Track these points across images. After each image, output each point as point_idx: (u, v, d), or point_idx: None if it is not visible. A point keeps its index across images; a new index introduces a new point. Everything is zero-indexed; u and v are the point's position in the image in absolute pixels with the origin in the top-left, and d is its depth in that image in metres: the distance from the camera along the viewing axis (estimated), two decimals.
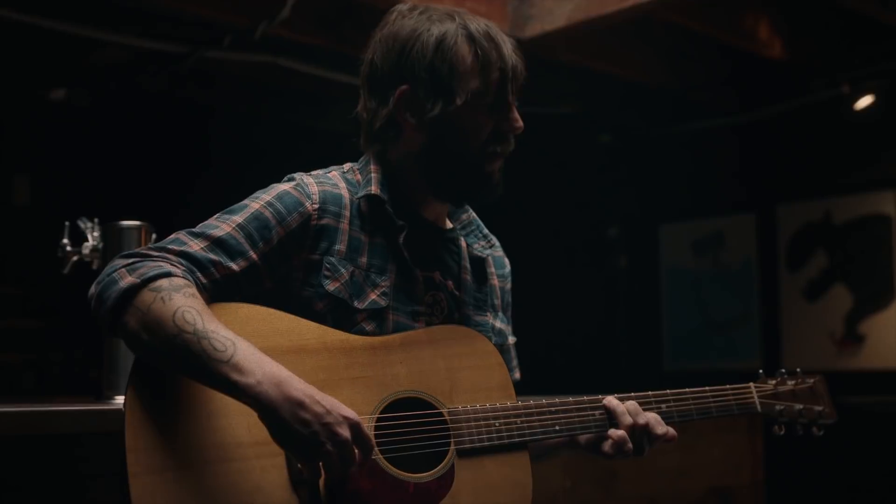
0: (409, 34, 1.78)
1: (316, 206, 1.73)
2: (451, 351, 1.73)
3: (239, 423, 1.53)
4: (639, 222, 6.60)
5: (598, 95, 5.64)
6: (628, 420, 1.78)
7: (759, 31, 4.65)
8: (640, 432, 1.78)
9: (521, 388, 1.86)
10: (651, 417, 1.80)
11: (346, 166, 1.88)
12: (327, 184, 1.78)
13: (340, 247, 1.73)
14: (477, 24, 1.78)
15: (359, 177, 1.83)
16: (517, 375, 1.98)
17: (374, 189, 1.78)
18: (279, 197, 1.72)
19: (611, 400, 1.79)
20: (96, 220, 2.53)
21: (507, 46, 1.78)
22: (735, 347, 6.08)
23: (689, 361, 6.31)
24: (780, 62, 4.82)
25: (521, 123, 1.79)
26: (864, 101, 5.04)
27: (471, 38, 1.75)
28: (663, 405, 1.85)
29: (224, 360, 1.46)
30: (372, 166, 1.83)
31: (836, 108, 5.33)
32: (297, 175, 1.80)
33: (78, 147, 5.18)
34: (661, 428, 1.79)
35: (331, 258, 1.71)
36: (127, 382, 1.54)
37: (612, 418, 1.78)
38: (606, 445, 1.79)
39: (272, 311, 1.64)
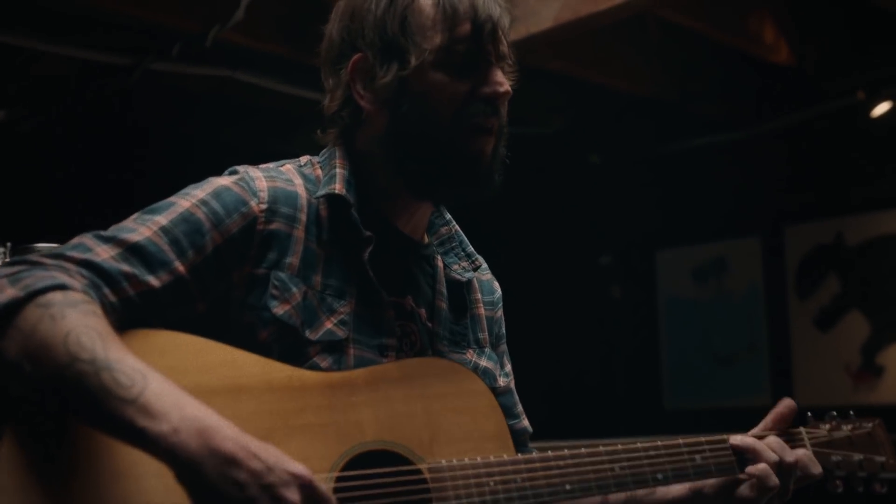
0: None
1: (264, 205, 1.45)
2: (430, 390, 1.43)
3: (153, 488, 1.21)
4: (634, 248, 6.43)
5: (587, 108, 5.42)
6: (773, 457, 1.57)
7: (764, 33, 4.43)
8: (788, 471, 1.58)
9: None
10: (801, 454, 1.61)
11: (304, 159, 1.60)
12: (279, 179, 1.50)
13: (293, 259, 1.45)
14: None
15: (319, 172, 1.56)
16: (525, 423, 1.70)
17: (337, 187, 1.51)
18: (216, 193, 1.43)
19: (742, 439, 1.59)
20: (8, 244, 2.23)
21: None
22: (742, 382, 5.88)
23: (692, 398, 6.11)
24: (787, 68, 4.60)
25: (505, 87, 1.51)
26: (882, 108, 4.81)
27: None
28: (697, 456, 1.56)
29: (130, 398, 1.15)
30: (337, 160, 1.56)
31: (849, 117, 5.14)
32: (240, 168, 1.51)
33: (9, 167, 4.87)
34: (816, 467, 1.62)
35: (280, 273, 1.43)
36: None
37: (743, 458, 1.57)
38: (743, 489, 1.57)
39: (202, 340, 1.34)
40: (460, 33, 1.49)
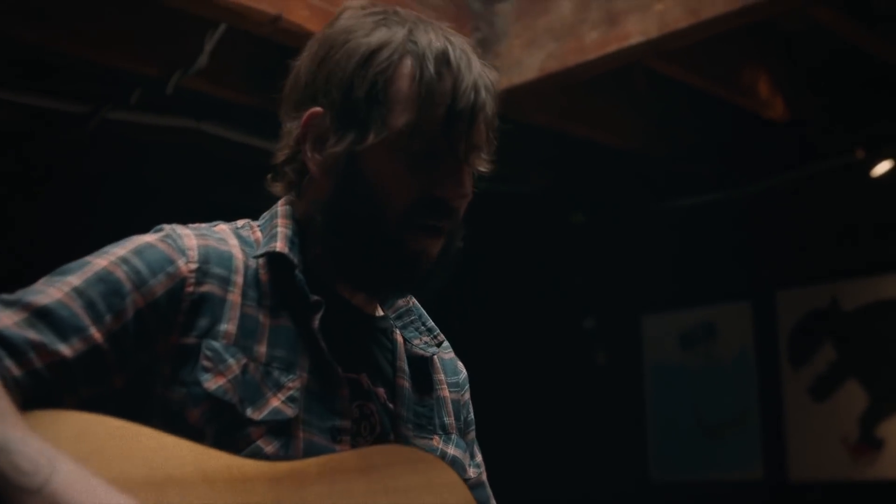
0: (339, 37, 1.38)
1: (193, 265, 1.27)
2: (395, 483, 1.24)
3: None
4: (619, 313, 6.26)
5: (572, 164, 5.30)
6: None
7: (759, 86, 4.30)
8: None
9: None
10: None
11: (241, 222, 1.44)
12: (211, 237, 1.34)
13: (228, 327, 1.27)
14: (436, 39, 1.36)
15: (258, 234, 1.40)
16: None
17: (279, 246, 1.34)
18: (138, 251, 1.26)
19: None
20: None
21: (469, 79, 1.35)
22: (733, 454, 5.67)
23: (680, 472, 5.90)
24: (782, 124, 4.47)
25: (466, 190, 1.35)
26: (883, 168, 4.67)
27: (418, 54, 1.34)
28: None
29: (32, 487, 0.99)
30: (279, 219, 1.40)
31: (847, 176, 5.01)
32: (167, 225, 1.34)
33: None
34: None
35: (213, 343, 1.25)
36: None
37: None
38: None
39: (122, 422, 1.13)
40: (432, 118, 1.32)
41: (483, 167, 1.39)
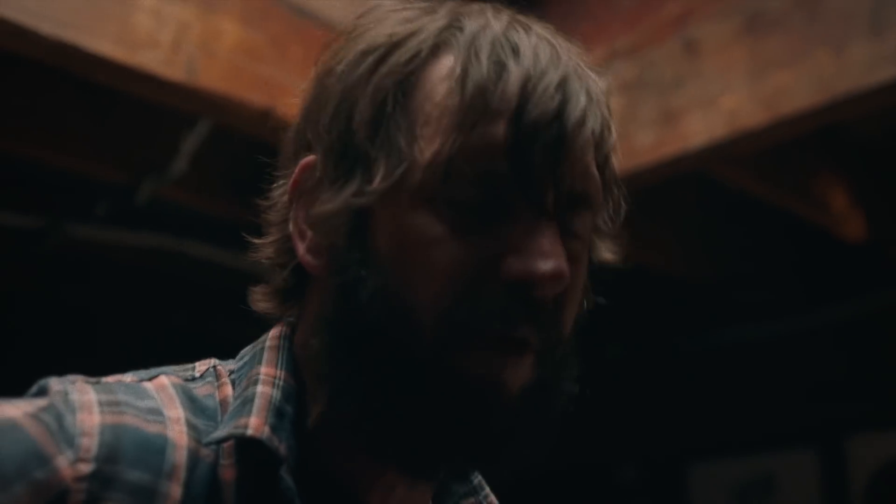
0: (344, 43, 0.94)
1: (86, 466, 0.77)
2: None
3: None
4: (662, 461, 5.88)
5: (607, 288, 4.88)
6: None
7: (833, 200, 3.87)
8: None
9: None
10: None
11: (202, 365, 0.93)
12: (130, 409, 0.82)
13: None
14: (497, 22, 0.88)
15: (227, 391, 0.89)
16: None
17: (253, 424, 0.83)
18: None
19: None
20: None
21: (555, 74, 0.84)
22: None
23: None
24: (858, 244, 4.04)
25: (558, 265, 0.82)
26: None
27: (463, 44, 0.86)
28: None
29: None
30: (263, 366, 0.89)
31: None
32: (56, 383, 0.84)
33: None
34: None
35: None
36: None
37: None
38: None
39: None
40: (487, 142, 0.81)
41: (599, 231, 0.92)
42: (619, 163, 0.93)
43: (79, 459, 0.76)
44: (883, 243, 4.20)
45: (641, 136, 3.17)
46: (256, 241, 0.97)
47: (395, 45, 0.88)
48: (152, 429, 0.81)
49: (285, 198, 0.92)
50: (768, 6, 2.92)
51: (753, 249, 4.68)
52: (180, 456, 0.81)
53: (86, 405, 0.80)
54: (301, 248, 0.89)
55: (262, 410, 0.84)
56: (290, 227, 0.90)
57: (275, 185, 0.96)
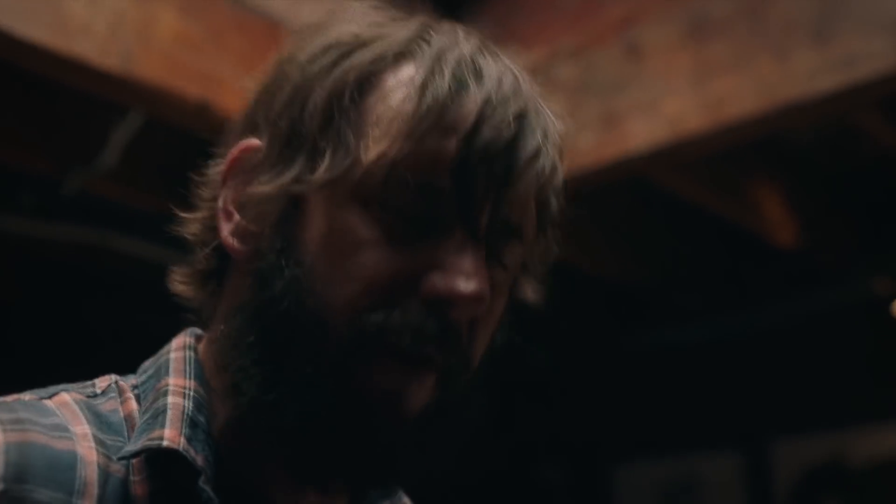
0: (303, 38, 0.93)
1: None
2: None
3: None
4: (588, 462, 5.92)
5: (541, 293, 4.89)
6: None
7: (767, 206, 3.92)
8: None
9: None
10: None
11: (103, 382, 0.90)
12: (35, 427, 0.78)
13: None
14: (467, 45, 0.87)
15: (132, 406, 0.86)
16: None
17: (168, 435, 0.80)
18: None
19: None
20: None
21: (515, 104, 0.84)
22: None
23: None
24: (790, 251, 4.09)
25: (478, 287, 0.81)
26: None
27: (428, 57, 0.85)
28: None
29: None
30: (171, 375, 0.87)
31: (863, 312, 4.68)
32: None
33: None
34: None
35: None
36: None
37: None
38: None
39: None
40: (435, 154, 0.81)
41: (526, 259, 0.90)
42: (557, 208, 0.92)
43: None
44: (814, 249, 4.25)
45: (582, 138, 3.16)
46: (183, 214, 0.94)
47: (360, 45, 0.87)
48: (60, 445, 0.77)
49: (219, 176, 0.90)
50: (713, 12, 2.92)
51: (686, 253, 4.71)
52: (91, 472, 0.77)
53: None
54: (226, 228, 0.87)
55: (175, 421, 0.81)
56: (219, 204, 0.88)
57: (212, 162, 0.94)
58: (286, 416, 0.80)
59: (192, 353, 0.89)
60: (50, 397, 0.84)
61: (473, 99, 0.81)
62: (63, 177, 3.19)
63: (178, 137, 3.09)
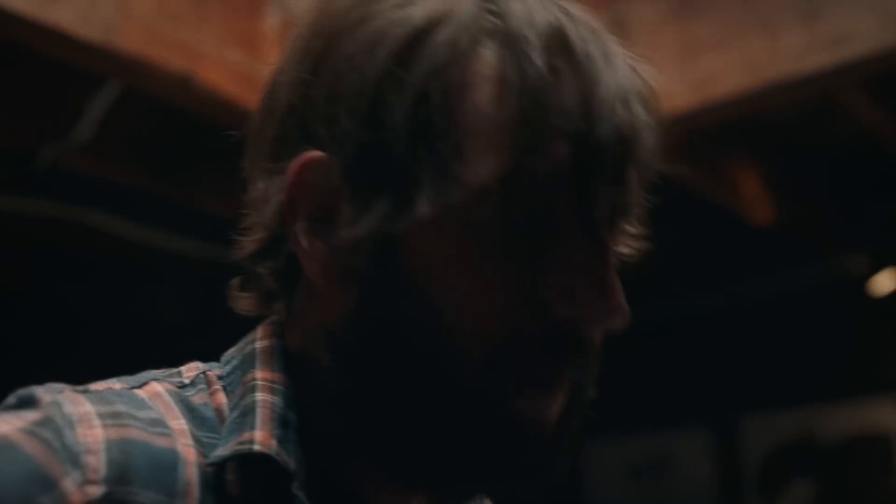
0: (349, 11, 0.78)
1: (97, 489, 0.68)
2: None
3: None
4: None
5: None
6: None
7: (744, 185, 3.91)
8: None
9: None
10: None
11: (190, 370, 0.84)
12: (134, 423, 0.73)
13: None
14: (539, 8, 0.75)
15: (220, 399, 0.80)
16: None
17: (259, 438, 0.75)
18: None
19: None
20: None
21: (613, 80, 0.74)
22: None
23: None
24: (765, 229, 4.09)
25: (618, 300, 0.76)
26: (885, 282, 4.33)
27: (508, 35, 0.74)
28: None
29: None
30: (258, 370, 0.80)
31: (839, 290, 4.70)
32: (44, 392, 0.73)
33: None
34: None
35: None
36: None
37: None
38: None
39: None
40: (546, 161, 0.73)
41: (627, 248, 0.83)
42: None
43: (87, 481, 0.66)
44: (790, 228, 4.26)
45: None
46: (241, 238, 0.85)
47: (423, 31, 0.74)
48: (160, 443, 0.72)
49: (280, 196, 0.78)
50: None
51: (660, 231, 4.69)
52: (191, 472, 0.72)
53: (84, 417, 0.70)
54: (312, 268, 0.77)
55: (266, 421, 0.76)
56: (295, 239, 0.78)
57: (252, 166, 0.83)
58: (432, 451, 0.76)
59: (279, 343, 0.82)
60: (140, 386, 0.78)
61: (574, 87, 0.72)
62: (36, 150, 3.13)
63: (156, 110, 3.04)
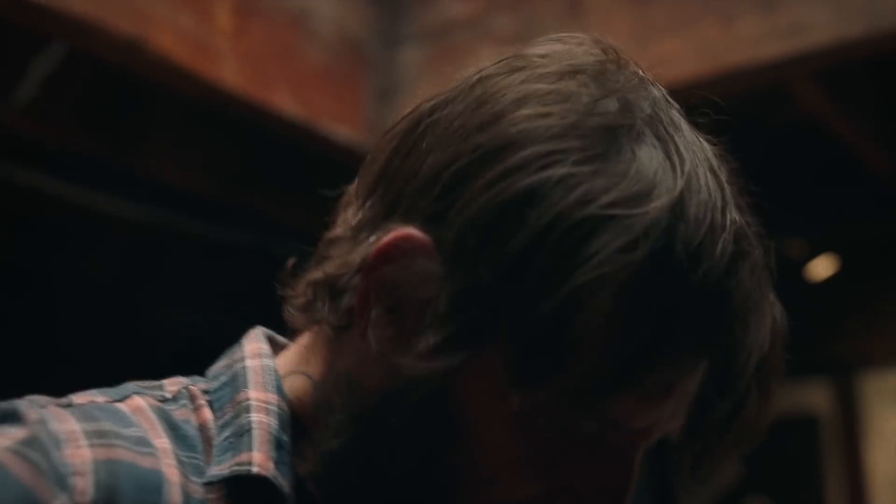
0: (485, 106, 0.73)
1: None
2: None
3: None
4: None
5: None
6: None
7: None
8: None
9: None
10: None
11: (173, 384, 0.81)
12: (120, 444, 0.71)
13: None
14: (710, 192, 0.72)
15: (205, 416, 0.78)
16: None
17: (257, 459, 0.74)
18: None
19: None
20: None
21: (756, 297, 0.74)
22: None
23: None
24: None
25: (631, 476, 0.76)
26: (823, 267, 4.38)
27: (680, 242, 0.70)
28: None
29: None
30: (251, 392, 0.81)
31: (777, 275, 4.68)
32: (28, 407, 0.71)
33: None
34: None
35: None
36: None
37: None
38: None
39: None
40: (634, 353, 0.70)
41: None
42: None
43: (74, 499, 0.65)
44: None
45: None
46: (311, 274, 0.80)
47: (551, 160, 0.69)
48: (145, 463, 0.70)
49: (366, 252, 0.74)
50: None
51: None
52: (175, 494, 0.71)
53: (71, 436, 0.68)
54: (369, 331, 0.74)
55: (262, 443, 0.74)
56: (360, 295, 0.75)
57: (351, 199, 0.80)
58: None
59: (270, 362, 0.80)
60: (122, 400, 0.76)
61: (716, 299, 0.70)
62: None
63: (101, 73, 2.96)
